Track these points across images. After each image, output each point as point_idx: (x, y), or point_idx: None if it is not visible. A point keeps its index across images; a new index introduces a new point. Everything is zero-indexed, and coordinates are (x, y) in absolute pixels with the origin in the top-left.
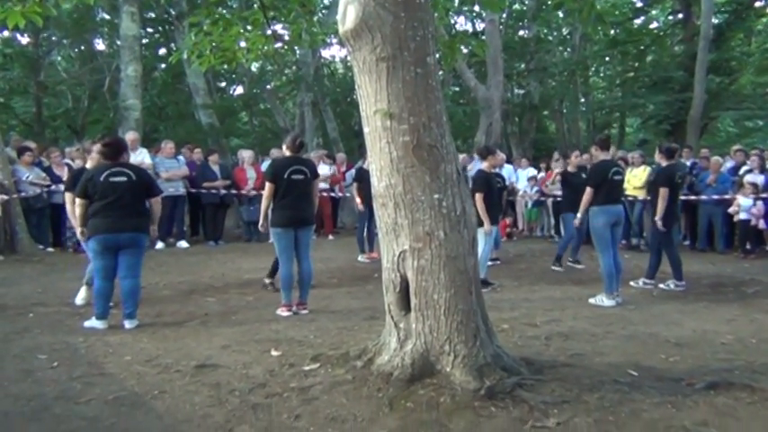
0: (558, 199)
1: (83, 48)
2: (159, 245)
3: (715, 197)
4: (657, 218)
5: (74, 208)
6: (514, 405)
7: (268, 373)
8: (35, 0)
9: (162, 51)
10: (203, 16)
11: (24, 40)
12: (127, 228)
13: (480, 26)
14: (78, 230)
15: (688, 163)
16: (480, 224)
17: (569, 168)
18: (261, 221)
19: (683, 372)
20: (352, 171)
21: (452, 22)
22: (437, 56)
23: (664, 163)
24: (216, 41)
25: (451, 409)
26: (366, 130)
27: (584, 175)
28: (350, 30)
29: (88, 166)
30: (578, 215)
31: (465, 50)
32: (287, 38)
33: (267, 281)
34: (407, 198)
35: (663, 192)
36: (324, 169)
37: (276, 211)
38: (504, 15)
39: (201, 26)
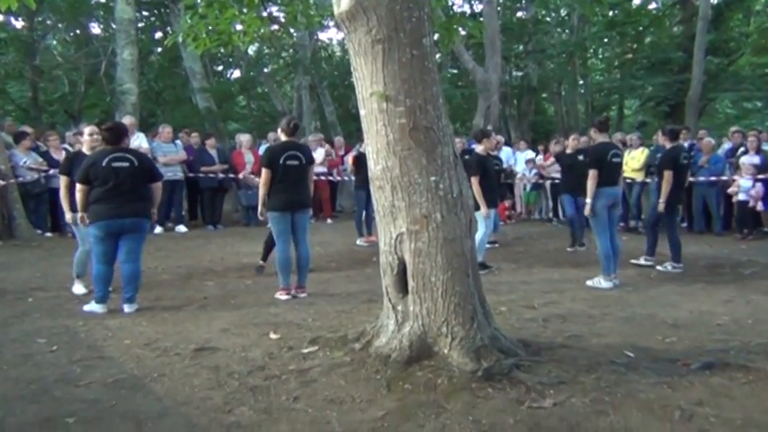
0: (557, 182)
1: (78, 32)
2: (158, 229)
3: (713, 178)
4: (661, 200)
5: (67, 191)
6: (511, 386)
7: (267, 356)
8: None
9: (158, 35)
10: None
11: (19, 24)
12: (129, 213)
13: (478, 8)
14: (68, 215)
15: (686, 144)
16: (477, 207)
17: (567, 150)
18: (260, 209)
19: (679, 352)
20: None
21: (450, 3)
22: (435, 37)
23: (668, 145)
24: (211, 24)
25: (449, 391)
26: (362, 112)
27: (580, 158)
28: (345, 12)
29: (84, 149)
30: (588, 201)
31: (463, 32)
32: (282, 20)
33: (261, 263)
34: (404, 181)
35: (667, 174)
36: (321, 153)
37: (273, 195)
38: None
39: (196, 9)
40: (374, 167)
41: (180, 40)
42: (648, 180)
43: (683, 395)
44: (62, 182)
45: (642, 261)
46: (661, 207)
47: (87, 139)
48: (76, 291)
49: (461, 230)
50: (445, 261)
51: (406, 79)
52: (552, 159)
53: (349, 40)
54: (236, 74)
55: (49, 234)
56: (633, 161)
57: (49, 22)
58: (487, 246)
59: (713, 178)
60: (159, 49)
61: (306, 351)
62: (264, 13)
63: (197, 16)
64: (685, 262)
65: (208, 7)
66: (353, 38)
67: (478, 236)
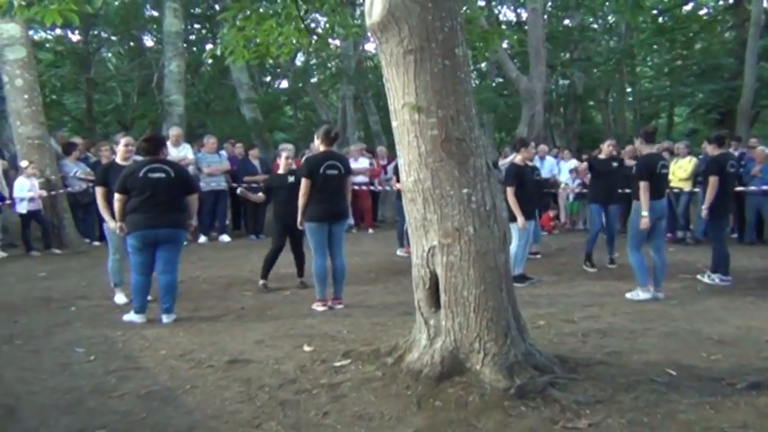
0: None
1: (132, 44)
2: (202, 239)
3: (764, 188)
4: (705, 206)
5: (105, 201)
6: (545, 405)
7: (299, 369)
8: None
9: (209, 47)
10: (236, 10)
11: (75, 37)
12: (165, 224)
13: (525, 16)
14: (111, 223)
15: (736, 154)
16: (512, 219)
17: (600, 156)
18: (299, 219)
19: (724, 371)
20: (394, 163)
21: (496, 11)
22: (472, 47)
23: (715, 152)
24: (249, 36)
25: (480, 409)
26: (394, 123)
27: (614, 164)
28: (377, 22)
29: (117, 159)
30: (644, 213)
31: (505, 44)
32: (320, 31)
33: (261, 282)
34: (436, 193)
35: (712, 180)
36: (363, 162)
37: (311, 205)
38: (549, 4)
39: (234, 21)
40: (406, 179)
41: (218, 53)
42: (697, 190)
43: (726, 417)
44: (99, 192)
45: (717, 280)
46: (703, 213)
47: (122, 149)
48: (118, 300)
49: (494, 244)
50: (478, 275)
51: (438, 90)
52: (584, 164)
53: (381, 50)
54: (285, 84)
55: (96, 243)
56: (680, 170)
57: (103, 35)
58: (529, 256)
59: (765, 187)
60: (210, 61)
61: (338, 364)
62: (302, 24)
63: (234, 29)
64: (734, 274)
65: (245, 19)
66: (385, 48)
67: (512, 248)
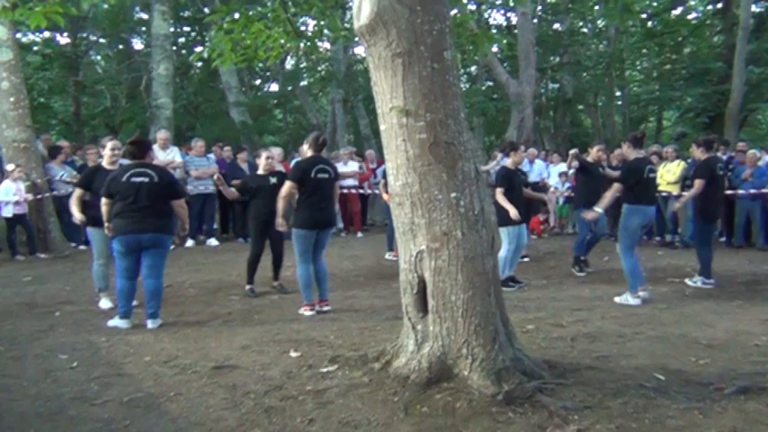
0: None
1: (120, 47)
2: (189, 242)
3: (754, 191)
4: (680, 201)
5: (78, 202)
6: (533, 411)
7: (285, 375)
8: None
9: (198, 50)
10: (224, 13)
11: (63, 40)
12: (148, 228)
13: (515, 20)
14: (77, 216)
15: (724, 158)
16: (502, 224)
17: (588, 159)
18: (278, 220)
19: (712, 375)
20: (383, 167)
21: (486, 15)
22: (462, 51)
23: (704, 156)
24: (237, 39)
25: (468, 415)
26: (382, 127)
27: (601, 169)
28: (365, 25)
29: (104, 163)
30: (599, 209)
31: (495, 48)
32: (309, 34)
33: (248, 287)
34: (424, 197)
35: (698, 183)
36: (353, 166)
37: (302, 212)
38: (539, 8)
39: (221, 24)
40: (394, 183)
41: (205, 55)
42: (685, 194)
43: (714, 422)
44: (75, 193)
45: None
46: (676, 207)
47: (108, 153)
48: (103, 305)
49: (483, 248)
50: (466, 280)
51: (427, 93)
52: (573, 159)
53: (369, 53)
54: (274, 87)
55: (82, 247)
56: (669, 174)
57: (92, 37)
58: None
59: (754, 191)
60: (199, 64)
61: (325, 370)
62: (291, 28)
63: (221, 31)
64: (723, 278)
65: (232, 23)
66: (373, 52)
67: (502, 253)
